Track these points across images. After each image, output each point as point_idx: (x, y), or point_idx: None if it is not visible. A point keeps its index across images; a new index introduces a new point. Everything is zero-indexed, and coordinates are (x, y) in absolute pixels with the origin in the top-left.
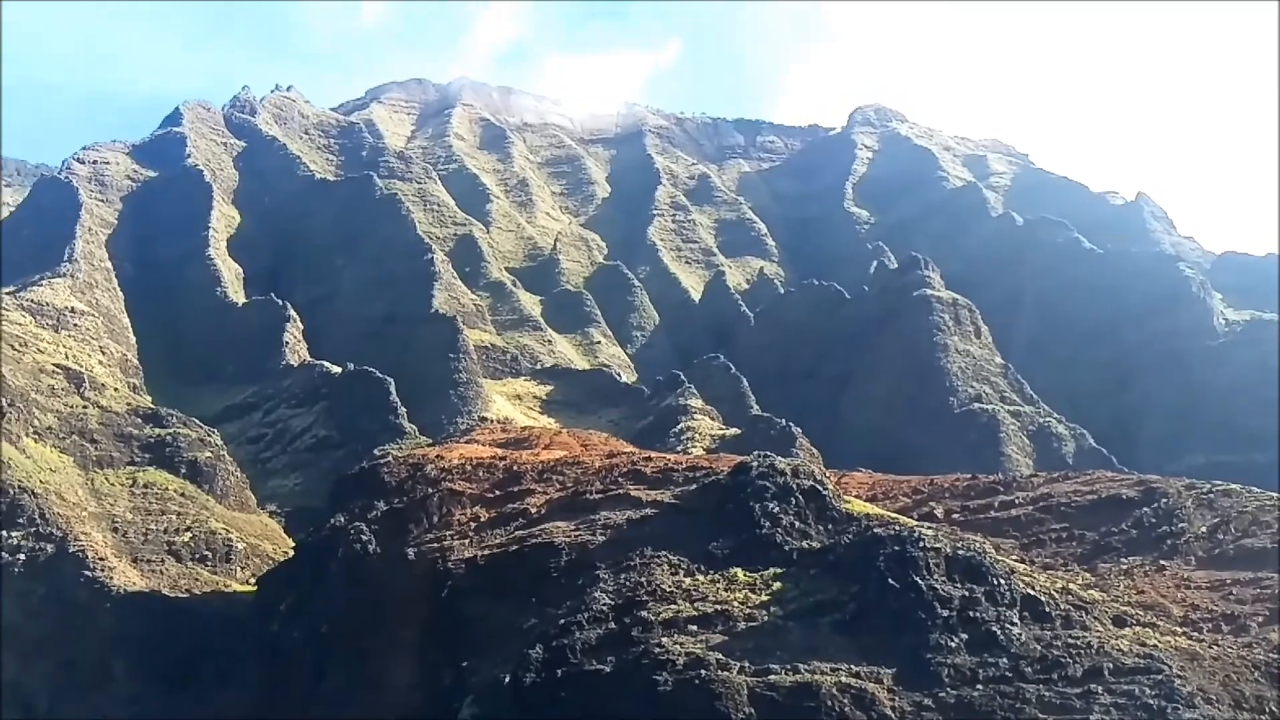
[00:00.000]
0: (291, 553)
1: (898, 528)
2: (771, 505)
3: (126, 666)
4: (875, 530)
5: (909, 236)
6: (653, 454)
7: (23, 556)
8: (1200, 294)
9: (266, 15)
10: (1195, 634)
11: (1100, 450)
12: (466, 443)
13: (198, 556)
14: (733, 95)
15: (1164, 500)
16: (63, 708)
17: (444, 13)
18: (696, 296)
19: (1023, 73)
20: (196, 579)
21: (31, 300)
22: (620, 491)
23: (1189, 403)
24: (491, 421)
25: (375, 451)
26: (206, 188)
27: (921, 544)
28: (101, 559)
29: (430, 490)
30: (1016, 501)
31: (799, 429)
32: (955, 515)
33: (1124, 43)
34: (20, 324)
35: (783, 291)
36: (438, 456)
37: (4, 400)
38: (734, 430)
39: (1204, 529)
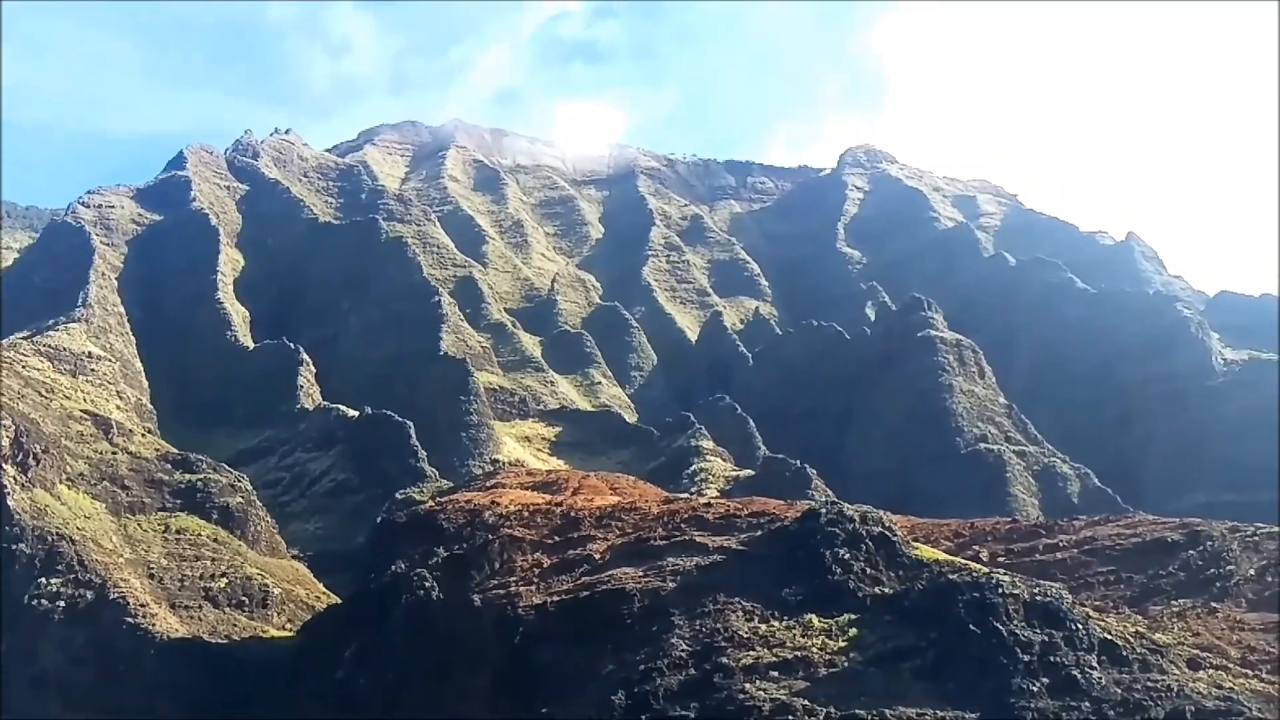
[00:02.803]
0: (324, 597)
1: (974, 574)
2: (842, 551)
3: (173, 712)
4: (950, 576)
5: (901, 277)
6: (712, 500)
7: (63, 603)
8: (1199, 334)
9: (258, 57)
10: (1262, 676)
11: (1105, 490)
12: (493, 487)
13: (234, 602)
14: (720, 137)
15: (1209, 543)
16: None
17: (436, 56)
18: (692, 336)
19: (1009, 112)
20: (235, 625)
21: (49, 345)
22: (685, 538)
23: (1190, 442)
24: (504, 463)
25: (398, 495)
26: (213, 231)
27: (1000, 590)
28: (143, 605)
29: (490, 536)
30: (1060, 545)
31: (814, 470)
32: (1000, 558)
33: (1106, 82)
34: (39, 369)
35: (779, 332)
36: (493, 502)
37: (39, 446)
38: (747, 471)
39: (1252, 571)
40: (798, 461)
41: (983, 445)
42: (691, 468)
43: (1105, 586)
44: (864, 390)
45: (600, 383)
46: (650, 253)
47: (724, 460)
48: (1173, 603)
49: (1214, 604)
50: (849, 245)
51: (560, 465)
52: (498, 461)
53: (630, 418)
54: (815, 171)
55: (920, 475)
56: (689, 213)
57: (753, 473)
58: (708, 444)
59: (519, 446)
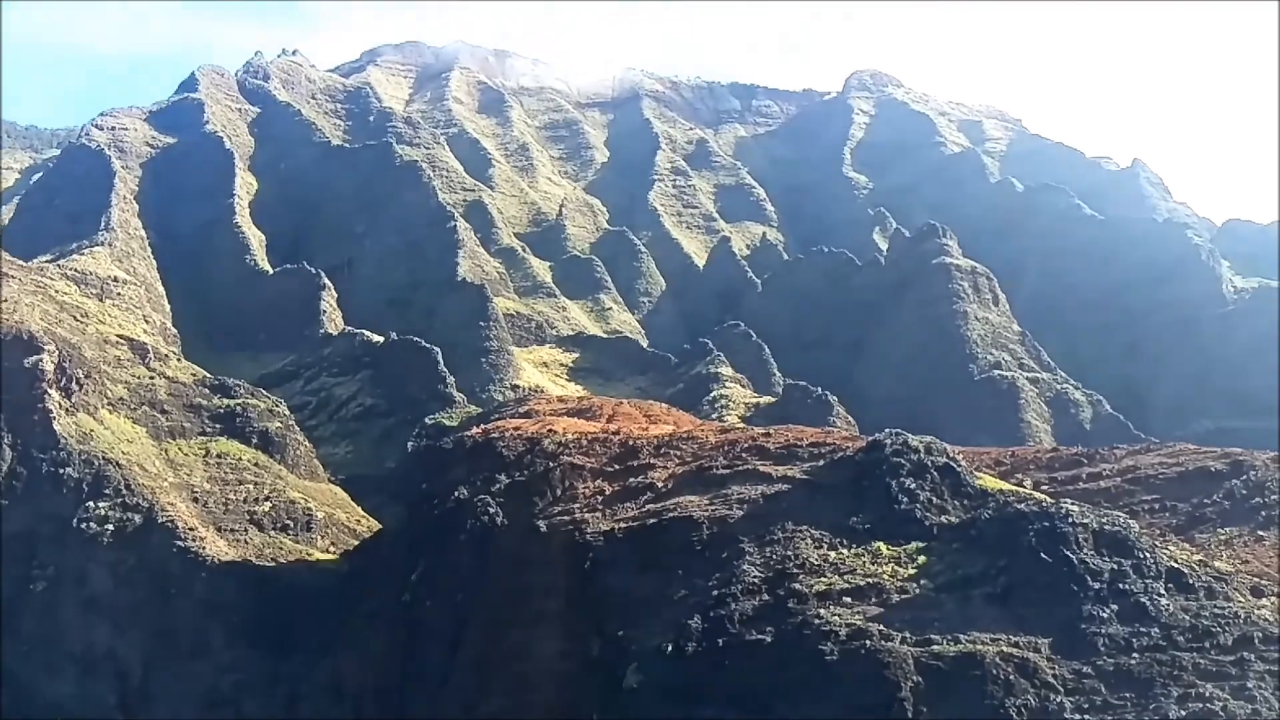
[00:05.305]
0: (364, 521)
1: (1041, 503)
2: (907, 481)
3: (225, 635)
4: (1017, 506)
5: (908, 202)
6: (771, 429)
7: (111, 527)
8: (1209, 261)
9: None
10: None
11: (1117, 417)
12: (525, 413)
13: (279, 526)
14: (727, 56)
15: (1252, 472)
16: (159, 676)
17: None
18: (700, 262)
19: (1015, 37)
20: (280, 548)
21: (75, 269)
22: (747, 467)
23: (1199, 369)
24: (525, 389)
25: (427, 420)
26: (228, 154)
27: (1070, 519)
28: (191, 529)
29: (551, 464)
30: (1103, 474)
31: (835, 397)
32: (1044, 487)
33: (1115, 8)
34: (67, 293)
35: (786, 257)
36: (549, 430)
37: (80, 371)
38: (767, 398)
39: None
40: (819, 389)
41: (996, 372)
42: (711, 394)
43: (1151, 515)
44: (877, 317)
45: (611, 308)
46: (656, 177)
47: (743, 387)
48: (1219, 531)
49: (1260, 532)
50: (855, 170)
51: (578, 390)
52: (518, 387)
53: (641, 343)
54: (820, 95)
55: (934, 401)
56: (694, 137)
57: (772, 400)
58: (727, 370)
59: (537, 372)
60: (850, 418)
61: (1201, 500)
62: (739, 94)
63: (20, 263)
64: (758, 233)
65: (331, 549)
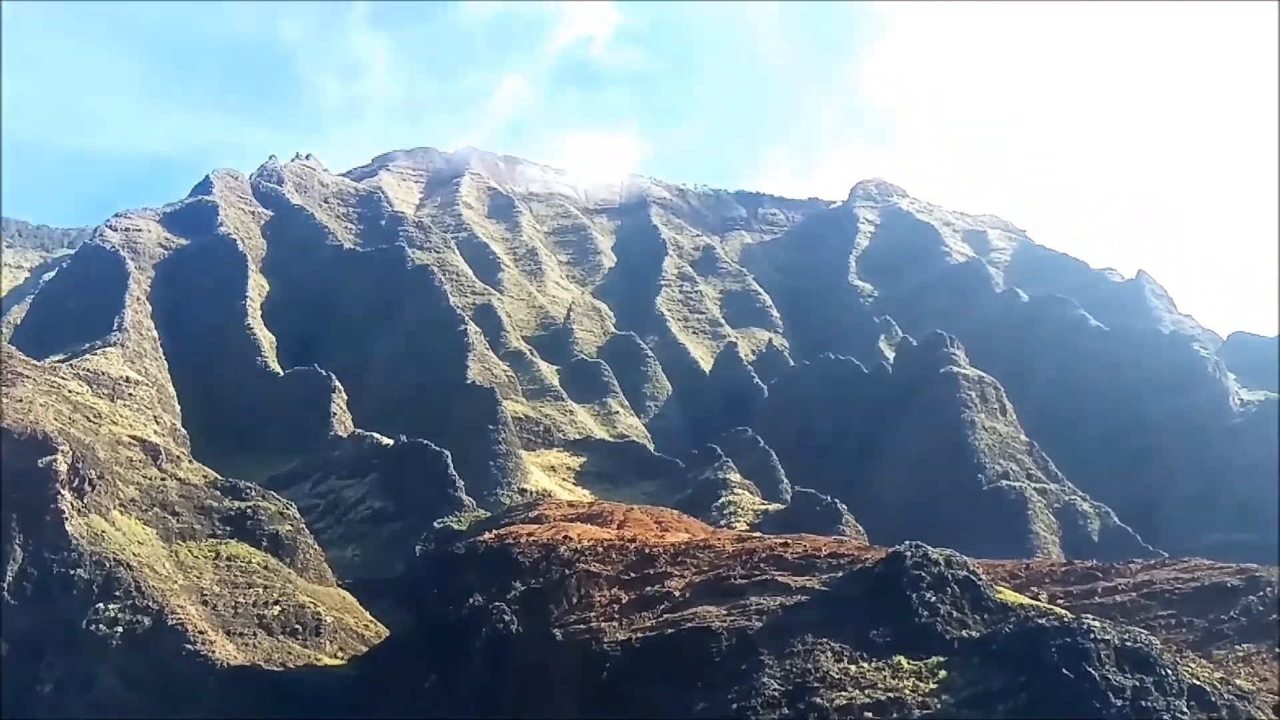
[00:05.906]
0: (372, 626)
1: (1062, 618)
2: (928, 594)
3: None
4: (1038, 621)
5: (913, 311)
6: (788, 539)
7: (120, 629)
8: (1216, 373)
9: (268, 78)
10: None
11: (1125, 529)
12: (535, 518)
13: (288, 630)
14: (731, 167)
15: (1268, 589)
16: None
17: (451, 81)
18: (706, 367)
19: (1018, 148)
20: (289, 653)
21: (88, 369)
22: (765, 577)
23: (1207, 481)
24: (532, 493)
25: (435, 524)
26: (241, 256)
27: (1092, 635)
28: (201, 632)
29: (566, 571)
30: (1119, 588)
31: (844, 505)
32: (1059, 600)
33: (1115, 120)
34: (80, 393)
35: (792, 363)
36: (565, 537)
37: (93, 472)
38: (776, 505)
39: None
40: (828, 496)
41: (1004, 482)
42: (720, 500)
43: (1167, 630)
44: (884, 424)
45: (618, 412)
46: (663, 283)
47: (751, 493)
48: (1236, 648)
49: (1278, 649)
50: (860, 278)
51: (586, 495)
52: (525, 491)
53: (648, 448)
54: (825, 204)
55: (941, 511)
56: (701, 243)
57: (781, 506)
58: (735, 476)
59: (545, 476)
60: (860, 526)
61: (1218, 616)
62: (745, 202)
63: (34, 362)
64: (763, 338)
65: (340, 654)
